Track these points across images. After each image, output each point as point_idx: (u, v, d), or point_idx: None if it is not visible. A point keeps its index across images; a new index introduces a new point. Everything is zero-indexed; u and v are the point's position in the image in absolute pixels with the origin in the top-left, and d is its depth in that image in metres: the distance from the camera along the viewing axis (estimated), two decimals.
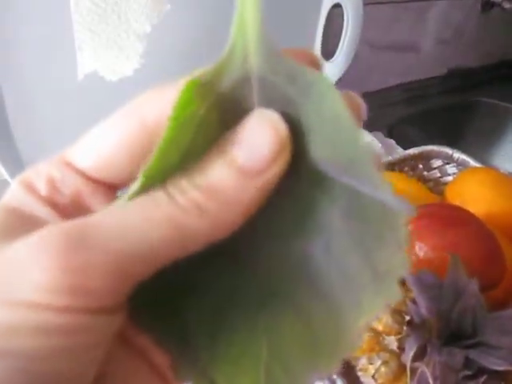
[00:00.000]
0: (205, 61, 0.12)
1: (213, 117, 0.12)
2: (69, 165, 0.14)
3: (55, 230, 0.11)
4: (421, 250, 0.35)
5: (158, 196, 0.12)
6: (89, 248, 0.11)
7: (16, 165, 0.48)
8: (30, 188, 0.14)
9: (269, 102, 0.12)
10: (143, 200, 0.12)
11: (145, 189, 0.12)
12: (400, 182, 0.50)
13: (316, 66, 0.13)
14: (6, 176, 0.48)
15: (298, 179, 0.13)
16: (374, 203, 0.12)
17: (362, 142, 0.11)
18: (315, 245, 0.13)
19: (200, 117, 0.12)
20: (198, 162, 0.12)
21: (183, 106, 0.12)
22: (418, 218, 0.36)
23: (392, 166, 0.54)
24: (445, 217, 0.37)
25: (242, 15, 0.11)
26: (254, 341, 0.13)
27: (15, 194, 0.14)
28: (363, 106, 0.14)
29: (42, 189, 0.14)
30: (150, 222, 0.12)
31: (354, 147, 0.12)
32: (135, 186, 0.12)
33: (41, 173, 0.14)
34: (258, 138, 0.12)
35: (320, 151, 0.12)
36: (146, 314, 0.14)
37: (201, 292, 0.14)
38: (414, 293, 0.30)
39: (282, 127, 0.12)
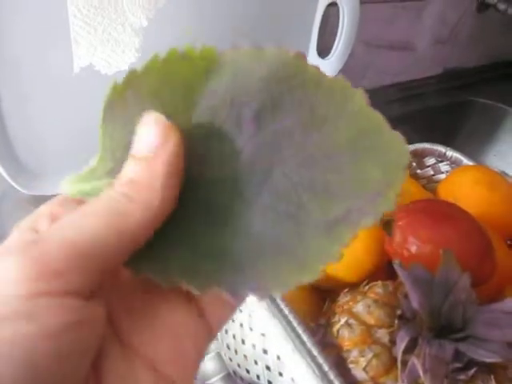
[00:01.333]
0: None
1: None
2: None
3: (15, 239, 0.13)
4: (413, 244, 0.35)
5: (100, 195, 0.15)
6: (44, 240, 0.13)
7: (11, 160, 0.48)
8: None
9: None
10: (91, 201, 0.15)
11: None
12: None
13: None
14: (1, 170, 0.47)
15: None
16: None
17: None
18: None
19: None
20: None
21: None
22: (411, 213, 0.37)
23: None
24: (437, 212, 0.37)
25: None
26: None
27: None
28: None
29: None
30: (93, 212, 0.14)
31: None
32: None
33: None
34: (143, 130, 0.15)
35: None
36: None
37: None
38: (406, 287, 0.31)
39: (163, 119, 0.15)
